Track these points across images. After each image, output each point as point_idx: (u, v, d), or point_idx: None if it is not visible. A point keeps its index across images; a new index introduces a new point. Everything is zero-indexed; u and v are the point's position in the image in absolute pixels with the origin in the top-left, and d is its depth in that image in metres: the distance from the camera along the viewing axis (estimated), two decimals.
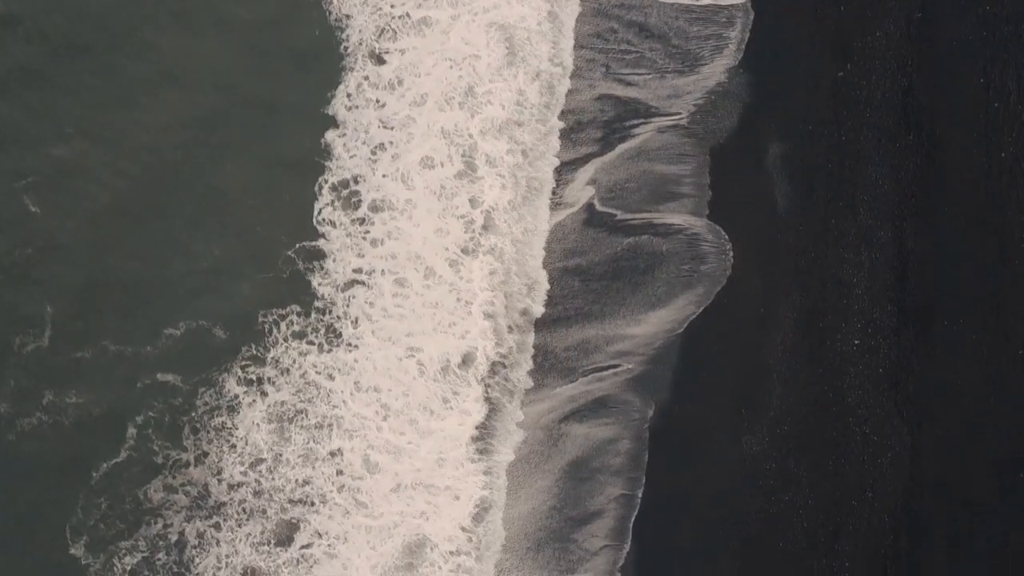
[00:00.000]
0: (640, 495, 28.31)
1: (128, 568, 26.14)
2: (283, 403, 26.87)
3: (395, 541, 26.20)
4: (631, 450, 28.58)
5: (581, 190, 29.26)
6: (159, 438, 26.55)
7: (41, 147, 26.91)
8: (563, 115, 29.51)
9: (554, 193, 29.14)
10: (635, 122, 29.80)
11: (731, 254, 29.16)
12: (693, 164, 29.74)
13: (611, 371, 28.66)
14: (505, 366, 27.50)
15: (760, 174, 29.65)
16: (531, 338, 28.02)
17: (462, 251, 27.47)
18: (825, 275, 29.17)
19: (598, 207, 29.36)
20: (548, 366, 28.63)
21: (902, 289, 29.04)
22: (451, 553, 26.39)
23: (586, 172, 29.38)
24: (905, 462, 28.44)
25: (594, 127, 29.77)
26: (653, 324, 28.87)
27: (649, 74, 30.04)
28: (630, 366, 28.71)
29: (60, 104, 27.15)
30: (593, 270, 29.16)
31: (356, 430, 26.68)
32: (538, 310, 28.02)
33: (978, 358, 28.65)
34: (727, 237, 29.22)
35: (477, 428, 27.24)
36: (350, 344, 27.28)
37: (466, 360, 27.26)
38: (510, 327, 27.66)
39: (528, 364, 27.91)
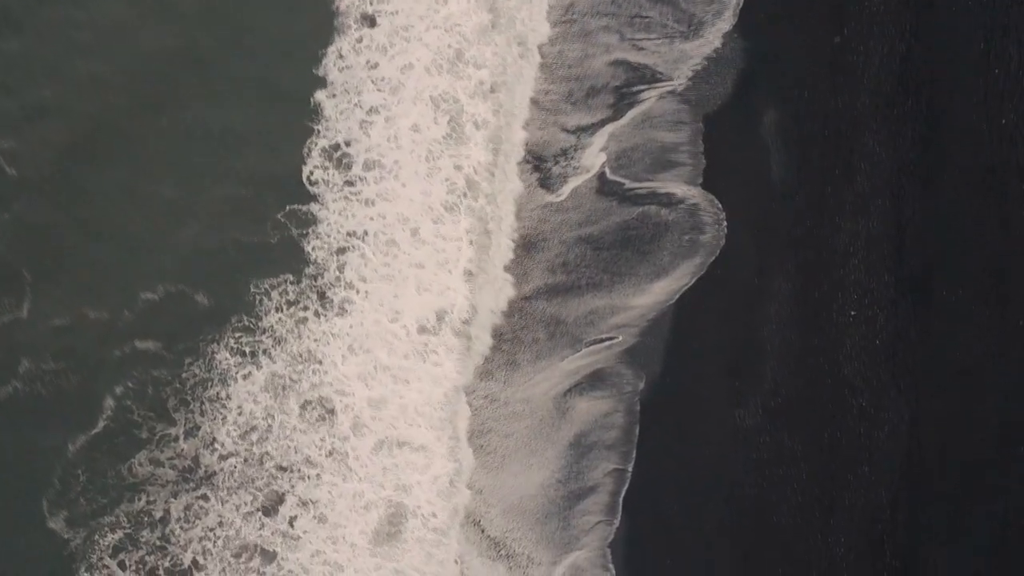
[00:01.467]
0: (630, 469, 27.72)
1: (111, 544, 25.55)
2: (275, 372, 26.28)
3: (379, 510, 25.76)
4: (624, 424, 27.97)
5: (596, 156, 28.95)
6: (141, 409, 25.94)
7: (14, 93, 26.28)
8: (576, 80, 29.24)
9: (570, 158, 28.84)
10: (642, 87, 29.29)
11: (724, 224, 28.50)
12: (688, 132, 29.10)
13: (607, 343, 28.07)
14: (473, 324, 27.16)
15: (755, 142, 28.93)
16: (505, 297, 27.70)
17: (446, 210, 27.08)
18: (821, 245, 28.46)
19: (609, 175, 28.91)
20: (559, 335, 28.08)
21: (900, 259, 28.32)
22: (427, 517, 25.97)
23: (600, 137, 28.97)
24: (903, 435, 27.74)
25: (607, 92, 29.30)
26: (655, 294, 28.27)
27: (659, 39, 29.44)
28: (625, 338, 28.10)
29: (34, 47, 26.48)
30: (604, 239, 28.59)
31: (347, 393, 26.19)
32: (503, 277, 27.60)
33: (978, 329, 27.90)
34: (720, 207, 28.56)
35: (453, 386, 26.85)
36: (342, 308, 26.73)
37: (446, 317, 26.86)
38: (490, 285, 27.32)
39: (504, 321, 27.55)
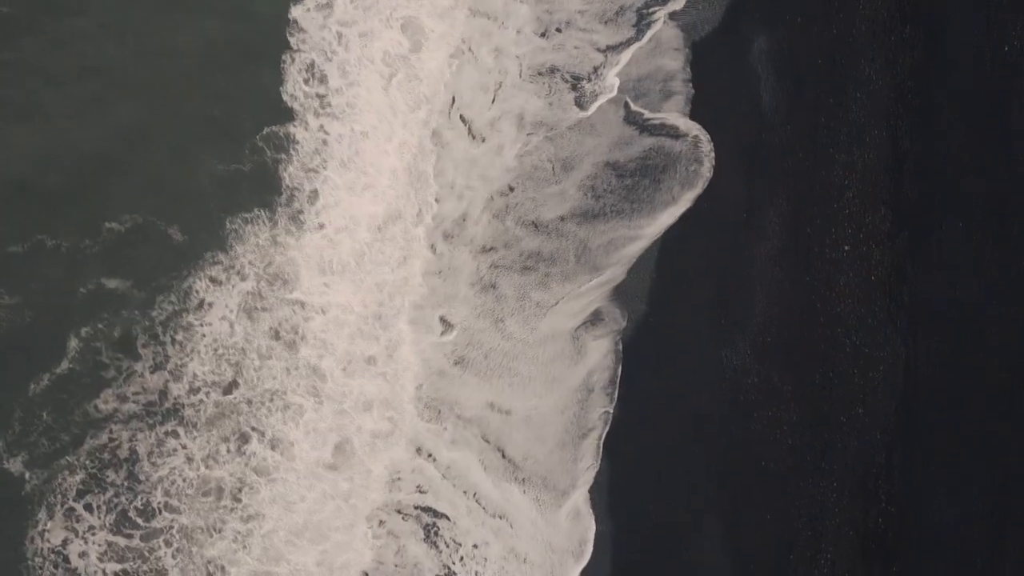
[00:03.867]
0: (612, 411, 26.63)
1: (74, 486, 24.67)
2: (248, 302, 25.33)
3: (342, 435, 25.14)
4: (611, 364, 26.92)
5: (615, 78, 28.68)
6: (109, 349, 25.01)
7: None
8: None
9: (600, 77, 28.58)
10: (655, 7, 28.78)
11: (712, 155, 27.27)
12: (682, 59, 28.03)
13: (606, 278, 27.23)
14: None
15: (745, 70, 27.62)
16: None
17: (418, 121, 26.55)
18: (814, 177, 27.14)
19: (632, 106, 28.35)
20: (584, 260, 27.33)
21: (896, 191, 26.96)
22: (374, 436, 25.12)
23: (625, 56, 28.59)
24: (899, 375, 26.44)
25: (631, 12, 28.82)
26: (662, 223, 27.45)
27: None
28: (616, 274, 27.14)
29: None
30: (627, 166, 27.92)
31: (324, 311, 25.48)
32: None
33: (978, 264, 26.50)
34: (708, 137, 27.33)
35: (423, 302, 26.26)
36: (320, 225, 25.81)
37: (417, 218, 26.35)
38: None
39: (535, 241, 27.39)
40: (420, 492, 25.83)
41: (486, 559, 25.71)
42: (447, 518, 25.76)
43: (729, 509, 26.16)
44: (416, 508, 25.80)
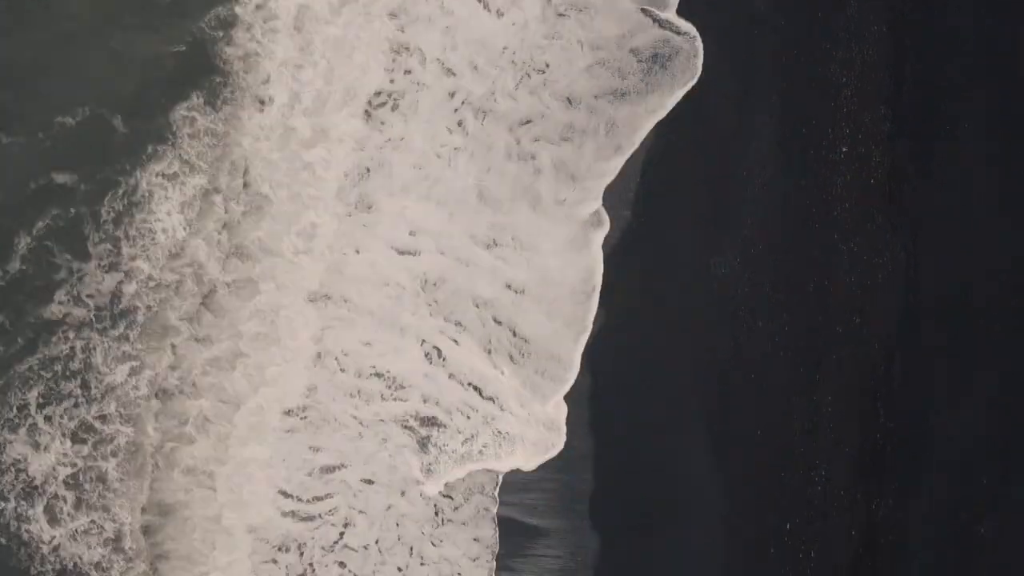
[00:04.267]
0: (590, 322, 25.06)
1: (32, 400, 23.44)
2: (201, 190, 23.90)
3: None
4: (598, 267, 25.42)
5: None
6: (61, 248, 23.71)
7: None
8: None
9: None
10: None
11: (701, 51, 25.66)
12: None
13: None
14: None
15: None
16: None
17: None
18: (809, 75, 25.45)
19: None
20: (612, 135, 25.37)
21: (897, 90, 25.26)
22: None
23: None
24: (900, 282, 24.79)
25: None
26: (666, 108, 25.63)
27: None
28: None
29: None
30: (643, 52, 25.64)
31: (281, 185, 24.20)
32: None
33: (984, 165, 24.88)
34: (696, 33, 25.70)
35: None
36: (262, 101, 24.37)
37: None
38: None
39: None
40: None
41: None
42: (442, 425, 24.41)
43: (716, 425, 24.55)
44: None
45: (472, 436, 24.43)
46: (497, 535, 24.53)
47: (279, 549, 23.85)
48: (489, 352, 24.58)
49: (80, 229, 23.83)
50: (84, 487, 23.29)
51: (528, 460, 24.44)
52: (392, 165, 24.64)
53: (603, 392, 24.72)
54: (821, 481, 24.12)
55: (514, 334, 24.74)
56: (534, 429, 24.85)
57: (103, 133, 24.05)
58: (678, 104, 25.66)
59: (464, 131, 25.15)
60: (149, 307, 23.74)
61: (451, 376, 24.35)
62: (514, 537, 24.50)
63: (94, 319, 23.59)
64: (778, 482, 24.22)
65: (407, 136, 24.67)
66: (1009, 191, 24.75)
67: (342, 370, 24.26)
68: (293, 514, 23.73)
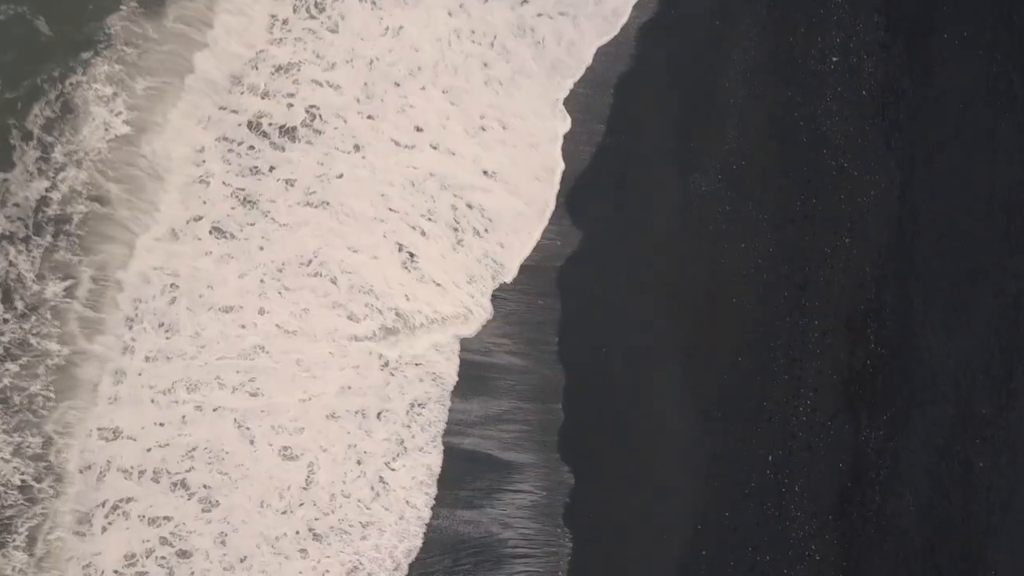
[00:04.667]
0: (559, 243, 23.35)
1: None
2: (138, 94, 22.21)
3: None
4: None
5: None
6: None
7: None
8: None
9: None
10: None
11: None
12: None
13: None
14: None
15: None
16: None
17: None
18: None
19: None
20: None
21: None
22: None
23: None
24: (892, 201, 23.05)
25: None
26: None
27: None
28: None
29: None
30: None
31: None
32: None
33: (985, 76, 23.14)
34: None
35: None
36: None
37: None
38: None
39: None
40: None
41: None
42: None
43: (693, 353, 22.79)
44: None
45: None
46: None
47: None
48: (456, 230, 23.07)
49: (5, 136, 22.16)
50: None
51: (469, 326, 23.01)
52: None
53: (573, 319, 23.01)
54: (806, 411, 22.40)
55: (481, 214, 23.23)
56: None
57: (25, 32, 22.31)
58: (656, 9, 24.12)
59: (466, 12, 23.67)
60: (80, 215, 22.06)
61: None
62: (486, 473, 22.79)
63: (19, 229, 21.93)
64: (759, 412, 22.49)
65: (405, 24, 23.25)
66: (1011, 104, 23.00)
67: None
68: None
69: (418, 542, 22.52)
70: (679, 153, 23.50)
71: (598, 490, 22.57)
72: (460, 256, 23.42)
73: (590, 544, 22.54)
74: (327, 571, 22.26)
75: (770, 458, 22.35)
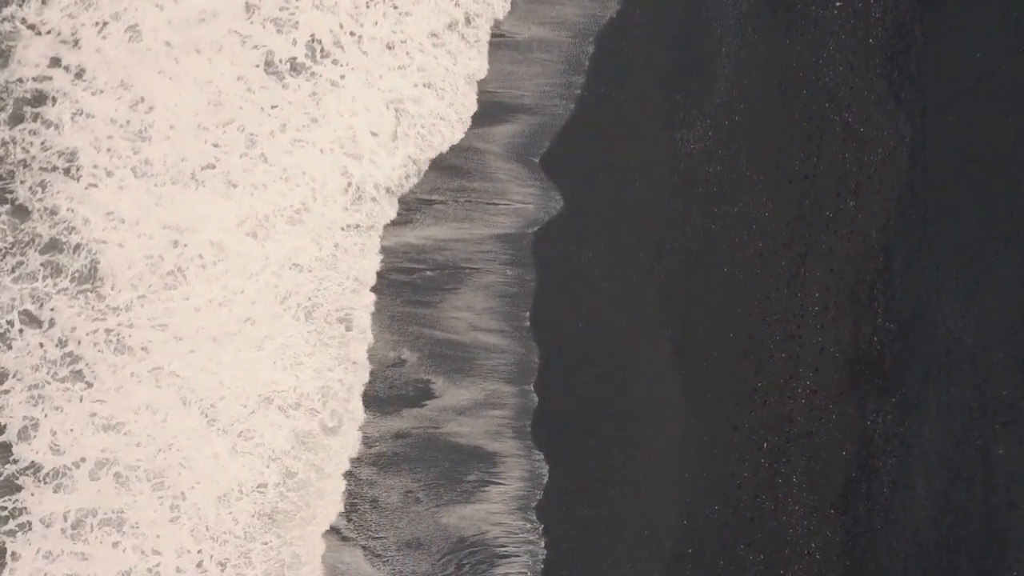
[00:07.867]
0: (533, 207, 21.13)
1: None
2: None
3: None
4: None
5: None
6: None
7: None
8: None
9: None
10: None
11: None
12: None
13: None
14: None
15: None
16: None
17: None
18: None
19: None
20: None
21: None
22: None
23: None
24: (902, 161, 20.79)
25: None
26: None
27: None
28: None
29: None
30: None
31: None
32: None
33: (1004, 19, 20.86)
34: None
35: None
36: None
37: None
38: None
39: None
40: None
41: None
42: None
43: (682, 327, 20.63)
44: None
45: None
46: None
47: None
48: None
49: None
50: None
51: None
52: None
53: (552, 289, 20.82)
54: (805, 393, 20.15)
55: None
56: None
57: None
58: None
59: None
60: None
61: None
62: (466, 462, 20.61)
63: None
64: (753, 395, 20.26)
65: None
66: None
67: None
68: None
69: None
70: (666, 107, 21.37)
71: (573, 482, 20.39)
72: None
73: (567, 542, 20.37)
74: None
75: (765, 445, 20.14)
